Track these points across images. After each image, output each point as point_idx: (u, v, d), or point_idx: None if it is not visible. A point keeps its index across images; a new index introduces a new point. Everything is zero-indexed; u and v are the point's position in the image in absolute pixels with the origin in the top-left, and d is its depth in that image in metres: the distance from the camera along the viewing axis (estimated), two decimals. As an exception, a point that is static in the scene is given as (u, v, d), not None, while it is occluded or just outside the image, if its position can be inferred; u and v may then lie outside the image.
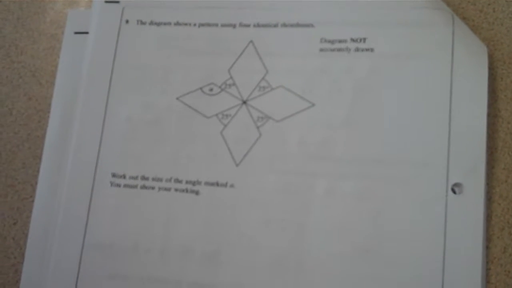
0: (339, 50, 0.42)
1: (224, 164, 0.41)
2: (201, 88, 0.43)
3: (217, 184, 0.41)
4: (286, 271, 0.39)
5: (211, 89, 0.43)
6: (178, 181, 0.42)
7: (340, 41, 0.42)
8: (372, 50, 0.42)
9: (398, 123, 0.40)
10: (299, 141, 0.41)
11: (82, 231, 0.41)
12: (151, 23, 0.45)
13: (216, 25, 0.44)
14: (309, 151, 0.41)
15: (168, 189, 0.42)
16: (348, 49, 0.42)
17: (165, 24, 0.45)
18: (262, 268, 0.39)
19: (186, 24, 0.45)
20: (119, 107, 0.44)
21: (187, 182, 0.42)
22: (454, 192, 0.38)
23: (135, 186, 0.42)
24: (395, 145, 0.40)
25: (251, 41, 0.44)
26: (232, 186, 0.41)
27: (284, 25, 0.43)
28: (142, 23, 0.45)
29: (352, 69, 0.42)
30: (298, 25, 0.43)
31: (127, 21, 0.45)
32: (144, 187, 0.42)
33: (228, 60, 0.44)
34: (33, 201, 0.43)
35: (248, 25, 0.44)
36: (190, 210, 0.41)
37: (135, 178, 0.42)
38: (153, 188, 0.42)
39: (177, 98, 0.43)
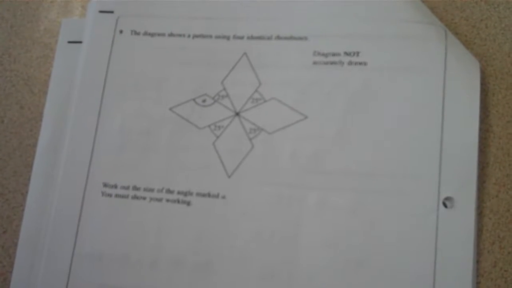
0: (332, 63, 0.42)
1: (216, 176, 0.41)
2: (194, 99, 0.43)
3: (209, 195, 0.41)
4: (277, 283, 0.39)
5: (204, 100, 0.43)
6: (169, 191, 0.42)
7: (333, 54, 0.42)
8: (365, 63, 0.42)
9: (390, 137, 0.40)
10: (291, 154, 0.41)
11: (72, 241, 0.41)
12: (145, 33, 0.45)
13: (210, 36, 0.45)
14: (301, 164, 0.41)
15: (159, 200, 0.41)
16: (341, 63, 0.42)
17: (159, 35, 0.45)
18: (253, 280, 0.39)
19: (180, 35, 0.45)
20: (111, 116, 0.44)
21: (178, 192, 0.41)
22: (445, 206, 0.39)
23: (126, 196, 0.42)
24: (387, 159, 0.40)
25: (244, 53, 0.44)
26: (223, 197, 0.41)
27: (278, 37, 0.44)
28: (136, 33, 0.45)
29: (345, 83, 0.42)
30: (291, 37, 0.43)
31: (121, 31, 0.45)
32: (135, 197, 0.42)
33: (222, 72, 0.44)
34: (23, 210, 0.43)
35: (242, 37, 0.44)
36: (181, 221, 0.41)
37: (127, 188, 0.42)
38: (144, 198, 0.42)
39: (170, 109, 0.43)
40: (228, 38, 0.44)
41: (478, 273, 0.39)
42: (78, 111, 0.44)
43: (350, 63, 0.42)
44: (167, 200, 0.41)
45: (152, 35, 0.45)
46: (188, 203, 0.41)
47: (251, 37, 0.44)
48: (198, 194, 0.41)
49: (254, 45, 0.44)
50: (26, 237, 0.42)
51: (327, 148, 0.41)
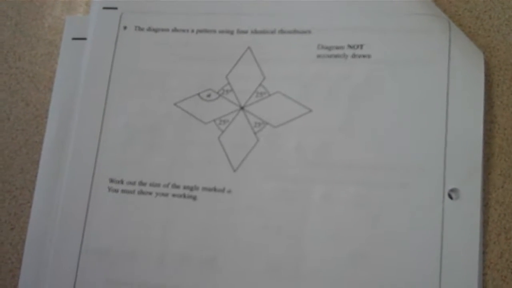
0: (336, 56, 0.42)
1: (222, 170, 0.42)
2: (198, 94, 0.43)
3: (215, 189, 0.41)
4: (283, 277, 0.39)
5: (208, 95, 0.43)
6: (175, 186, 0.42)
7: (337, 48, 0.42)
8: (369, 56, 0.42)
9: (395, 129, 0.40)
10: (296, 147, 0.41)
11: (79, 237, 0.41)
12: (149, 29, 0.45)
13: (214, 31, 0.45)
14: (306, 157, 0.41)
15: (165, 195, 0.42)
16: (345, 56, 0.42)
17: (163, 30, 0.45)
18: (259, 274, 0.39)
19: (184, 31, 0.45)
20: (117, 112, 0.44)
21: (184, 187, 0.42)
22: (450, 197, 0.39)
23: (132, 192, 0.42)
24: (392, 151, 0.40)
25: (248, 47, 0.44)
26: (229, 191, 0.41)
27: (282, 31, 0.44)
28: (140, 29, 0.45)
29: (349, 75, 0.42)
30: (295, 31, 0.43)
31: (125, 27, 0.46)
32: (141, 192, 0.42)
33: (226, 66, 0.44)
34: (30, 206, 0.43)
35: (245, 31, 0.44)
36: (187, 216, 0.41)
37: (133, 183, 0.42)
38: (150, 193, 0.42)
39: (175, 104, 0.43)
40: (231, 32, 0.44)
41: (484, 264, 0.39)
42: (84, 107, 0.44)
43: (354, 56, 0.42)
44: (173, 195, 0.42)
45: (156, 30, 0.45)
46: (194, 198, 0.41)
47: (255, 31, 0.44)
48: (204, 189, 0.41)
49: (258, 39, 0.44)
50: (33, 233, 0.43)
51: (332, 141, 0.41)
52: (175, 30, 0.45)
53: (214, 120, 0.43)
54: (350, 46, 0.42)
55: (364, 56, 0.42)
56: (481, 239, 0.38)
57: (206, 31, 0.45)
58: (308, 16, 0.44)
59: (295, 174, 0.41)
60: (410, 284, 0.38)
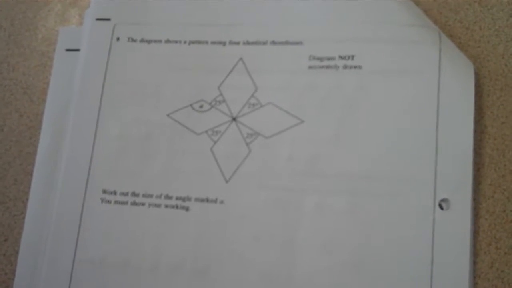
0: (328, 67, 0.43)
1: (214, 181, 0.42)
2: (191, 105, 0.44)
3: (207, 200, 0.41)
4: (276, 287, 0.39)
5: (201, 106, 0.43)
6: (168, 197, 0.42)
7: (328, 59, 0.43)
8: (360, 67, 0.42)
9: (386, 140, 0.40)
10: (288, 158, 0.41)
11: (72, 248, 0.42)
12: (142, 40, 0.46)
13: (206, 42, 0.45)
14: (298, 168, 0.41)
15: (158, 206, 0.42)
16: (336, 66, 0.42)
17: (155, 41, 0.45)
18: (252, 284, 0.40)
19: (176, 42, 0.45)
20: (110, 123, 0.44)
21: (177, 198, 0.42)
22: (441, 208, 0.39)
23: (125, 203, 0.42)
24: (383, 161, 0.40)
25: (240, 59, 0.44)
26: (222, 202, 0.41)
27: (273, 42, 0.44)
28: (133, 40, 0.46)
29: (340, 86, 0.42)
30: (287, 42, 0.44)
31: (118, 39, 0.46)
32: (134, 203, 0.42)
33: (218, 77, 0.44)
34: (24, 217, 0.44)
35: (237, 43, 0.44)
36: (180, 226, 0.41)
37: (126, 194, 0.42)
38: (143, 204, 0.42)
39: (168, 115, 0.43)
40: (224, 43, 0.45)
41: (475, 274, 0.39)
42: (77, 119, 0.44)
43: (345, 66, 0.42)
44: (166, 206, 0.42)
45: (148, 42, 0.46)
46: (187, 209, 0.41)
47: (247, 43, 0.44)
48: (196, 199, 0.42)
49: (250, 50, 0.44)
50: (27, 244, 0.43)
51: (324, 152, 0.41)
52: (167, 41, 0.45)
53: (207, 131, 0.43)
54: (341, 57, 0.43)
55: (355, 67, 0.42)
56: (472, 249, 0.39)
57: (198, 42, 0.45)
58: (299, 28, 0.44)
59: (287, 184, 0.41)
60: (402, 293, 0.38)
